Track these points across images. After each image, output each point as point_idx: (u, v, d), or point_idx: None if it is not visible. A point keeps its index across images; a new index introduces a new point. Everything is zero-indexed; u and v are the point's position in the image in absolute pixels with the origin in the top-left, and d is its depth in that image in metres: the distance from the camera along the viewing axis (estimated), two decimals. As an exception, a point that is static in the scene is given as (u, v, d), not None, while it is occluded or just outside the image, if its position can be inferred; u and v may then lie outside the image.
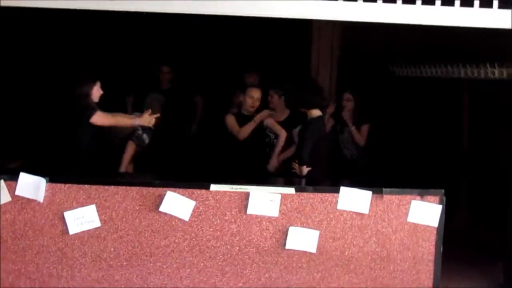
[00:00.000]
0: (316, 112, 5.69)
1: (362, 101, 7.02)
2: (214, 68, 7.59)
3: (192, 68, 8.19)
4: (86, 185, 4.68)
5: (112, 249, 4.72)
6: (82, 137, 5.54)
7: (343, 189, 4.76)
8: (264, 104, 6.52)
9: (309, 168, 5.58)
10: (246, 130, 6.26)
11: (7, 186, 4.65)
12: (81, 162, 5.52)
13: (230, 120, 6.38)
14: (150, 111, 5.64)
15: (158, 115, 5.65)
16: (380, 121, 7.27)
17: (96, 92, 5.57)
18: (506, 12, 5.07)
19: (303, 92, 5.67)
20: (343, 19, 5.13)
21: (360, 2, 5.07)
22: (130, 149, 6.25)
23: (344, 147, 7.11)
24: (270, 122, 6.38)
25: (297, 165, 5.63)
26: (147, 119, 5.63)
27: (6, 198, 4.66)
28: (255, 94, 6.32)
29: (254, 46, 8.64)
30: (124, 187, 4.70)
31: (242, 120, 6.35)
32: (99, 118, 5.46)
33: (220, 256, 4.76)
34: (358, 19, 5.11)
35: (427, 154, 7.79)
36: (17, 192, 4.65)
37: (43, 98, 6.82)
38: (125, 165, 6.27)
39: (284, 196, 4.74)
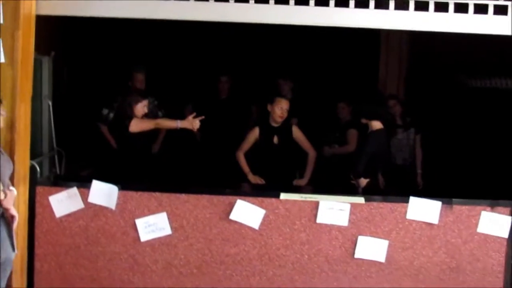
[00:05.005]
0: (377, 125, 5.63)
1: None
2: (272, 77, 7.53)
3: (250, 78, 8.21)
4: (157, 193, 4.75)
5: (183, 256, 4.78)
6: (132, 146, 5.57)
7: (412, 199, 4.75)
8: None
9: (367, 180, 5.53)
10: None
11: (80, 193, 4.73)
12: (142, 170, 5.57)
13: (250, 134, 6.11)
14: (194, 114, 5.51)
15: (203, 117, 5.47)
16: (450, 131, 7.19)
17: (141, 109, 5.56)
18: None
19: (371, 103, 5.68)
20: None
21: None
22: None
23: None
24: (301, 139, 6.11)
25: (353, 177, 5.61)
26: (190, 122, 5.47)
27: (79, 205, 4.75)
28: (284, 105, 6.01)
29: (320, 57, 8.67)
30: (195, 195, 4.76)
31: (267, 132, 6.06)
32: (137, 125, 5.46)
33: (290, 265, 4.79)
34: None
35: (497, 164, 7.64)
36: (89, 200, 4.74)
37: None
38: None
39: (353, 206, 4.75)
